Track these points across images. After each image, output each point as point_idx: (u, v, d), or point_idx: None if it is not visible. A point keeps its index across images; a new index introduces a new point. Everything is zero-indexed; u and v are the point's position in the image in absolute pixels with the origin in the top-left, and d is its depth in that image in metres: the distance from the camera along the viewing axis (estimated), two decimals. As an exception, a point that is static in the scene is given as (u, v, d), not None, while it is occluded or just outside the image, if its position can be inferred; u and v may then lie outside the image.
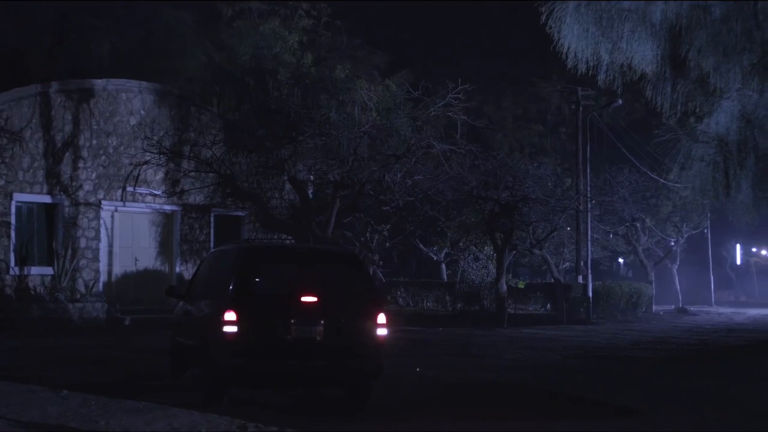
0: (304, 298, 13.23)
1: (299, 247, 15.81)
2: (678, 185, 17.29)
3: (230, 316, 12.74)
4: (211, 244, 32.99)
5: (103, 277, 30.72)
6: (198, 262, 32.41)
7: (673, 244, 53.65)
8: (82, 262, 30.22)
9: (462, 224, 37.07)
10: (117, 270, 31.29)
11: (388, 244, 36.24)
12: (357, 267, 14.61)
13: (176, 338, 15.99)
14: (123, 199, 31.10)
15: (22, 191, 29.42)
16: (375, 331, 13.47)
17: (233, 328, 12.70)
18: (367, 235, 32.53)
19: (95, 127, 30.78)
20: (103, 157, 30.83)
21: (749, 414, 13.53)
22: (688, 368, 20.28)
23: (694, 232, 54.97)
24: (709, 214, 51.26)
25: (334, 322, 13.27)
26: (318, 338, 13.11)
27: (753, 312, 52.48)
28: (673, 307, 52.71)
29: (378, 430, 12.19)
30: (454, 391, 15.72)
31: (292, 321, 12.97)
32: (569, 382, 17.11)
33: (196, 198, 31.95)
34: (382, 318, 13.52)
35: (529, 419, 12.92)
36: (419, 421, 12.65)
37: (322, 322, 13.14)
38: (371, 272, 25.29)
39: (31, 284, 28.94)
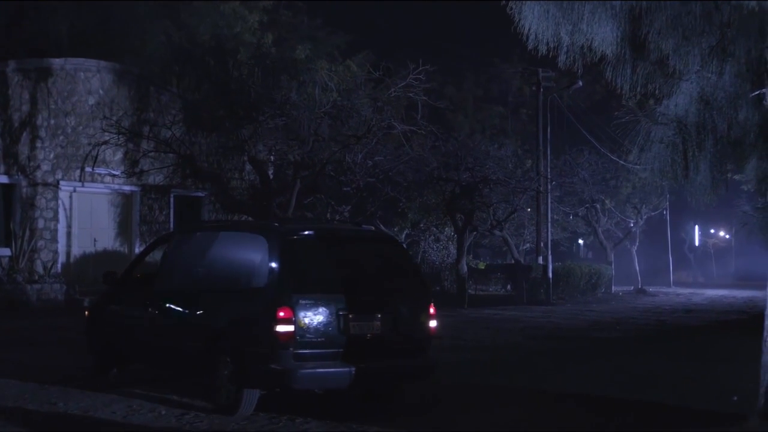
0: (360, 288, 11.84)
1: (339, 228, 13.84)
2: (637, 167, 17.40)
3: (285, 313, 11.08)
4: (171, 225, 32.83)
5: (61, 259, 30.50)
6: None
7: (632, 225, 54.00)
8: (41, 243, 29.96)
9: (423, 205, 37.12)
10: (76, 251, 31.06)
11: (348, 225, 36.12)
12: (400, 250, 13.48)
13: (108, 337, 14.34)
14: (82, 180, 30.84)
15: (-22, 171, 29.19)
16: (428, 323, 12.37)
17: (288, 328, 11.06)
18: (328, 215, 32.44)
19: (53, 106, 30.48)
20: (61, 137, 30.54)
21: (703, 393, 13.65)
22: (645, 348, 20.46)
23: (653, 213, 55.37)
24: (668, 196, 51.68)
25: (391, 314, 11.95)
26: (376, 333, 11.76)
27: (711, 293, 52.98)
28: (632, 287, 53.10)
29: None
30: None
31: (350, 315, 11.46)
32: (527, 363, 17.22)
33: (156, 178, 31.75)
34: (432, 308, 12.49)
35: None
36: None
37: (379, 315, 11.81)
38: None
39: (-12, 265, 28.71)
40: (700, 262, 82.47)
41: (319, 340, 11.24)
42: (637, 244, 55.55)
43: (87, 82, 31.33)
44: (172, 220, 33.07)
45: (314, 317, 11.21)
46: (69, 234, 30.85)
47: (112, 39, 36.51)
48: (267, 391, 11.70)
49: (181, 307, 13.03)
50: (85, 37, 35.73)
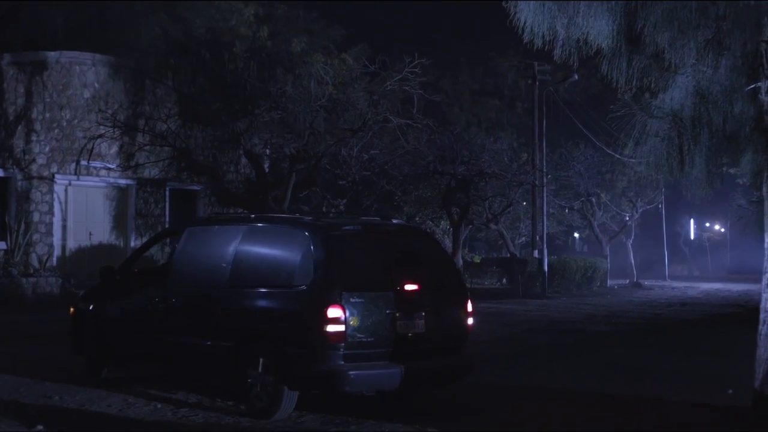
0: (407, 285, 11.33)
1: (376, 222, 13.13)
2: (633, 160, 17.33)
3: (335, 312, 10.62)
4: (166, 219, 32.81)
5: (57, 252, 30.46)
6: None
7: (627, 218, 54.03)
8: (36, 236, 29.91)
9: (418, 199, 37.12)
10: (71, 244, 31.02)
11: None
12: (435, 244, 13.11)
13: (105, 336, 13.64)
14: (77, 173, 30.78)
15: (-27, 165, 29.17)
16: (466, 321, 12.04)
17: (339, 327, 10.61)
18: (324, 209, 32.43)
19: (48, 100, 30.42)
20: (56, 131, 30.49)
21: (698, 386, 13.67)
22: (640, 342, 20.48)
23: (648, 207, 55.40)
24: (663, 190, 51.67)
25: (434, 312, 11.51)
26: (420, 332, 11.31)
27: (706, 286, 53.04)
28: (627, 281, 53.13)
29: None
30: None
31: (397, 314, 11.06)
32: (521, 355, 17.25)
33: (151, 172, 31.71)
34: (469, 304, 12.15)
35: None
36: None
37: (423, 313, 11.35)
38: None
39: (-17, 259, 28.68)
40: (695, 255, 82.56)
41: (368, 339, 10.83)
42: (632, 237, 55.59)
43: (82, 75, 31.28)
44: (167, 213, 33.03)
45: (364, 316, 10.79)
46: (64, 227, 30.81)
47: (107, 32, 36.39)
48: (311, 393, 11.44)
49: (203, 305, 12.30)
50: (81, 31, 35.62)
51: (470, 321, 12.09)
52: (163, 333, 12.63)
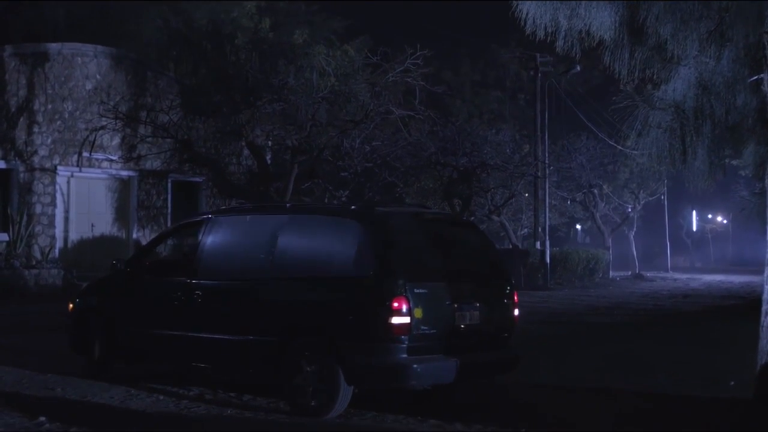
0: (459, 275, 11.09)
1: (426, 212, 12.54)
2: (635, 152, 17.31)
3: (400, 304, 10.22)
4: (169, 210, 32.83)
5: (59, 244, 30.49)
6: (156, 228, 32.26)
7: (630, 210, 54.05)
8: (38, 228, 29.93)
9: (420, 190, 37.13)
10: (73, 236, 31.04)
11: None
12: (482, 234, 12.68)
13: (116, 333, 12.96)
14: (79, 165, 30.80)
15: (-25, 157, 29.17)
16: (513, 312, 11.77)
17: (404, 320, 10.21)
18: (326, 201, 32.42)
19: (50, 91, 30.41)
20: (58, 122, 30.48)
21: (701, 378, 13.67)
22: (642, 334, 20.48)
23: (650, 198, 55.41)
24: (665, 181, 51.75)
25: (486, 302, 11.26)
26: (475, 323, 11.04)
27: (708, 278, 53.05)
28: (629, 273, 53.17)
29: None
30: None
31: (455, 305, 10.78)
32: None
33: (153, 163, 31.73)
34: (516, 295, 11.89)
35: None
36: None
37: (477, 304, 11.08)
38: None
39: (-15, 251, 28.69)
40: (697, 247, 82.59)
41: (430, 332, 10.51)
42: (634, 229, 55.63)
43: (84, 67, 31.26)
44: (169, 205, 33.04)
45: (426, 307, 10.42)
46: (66, 219, 30.83)
47: (109, 24, 36.44)
48: (373, 388, 11.22)
49: (239, 298, 11.68)
50: (83, 22, 35.66)
51: (516, 312, 11.87)
52: (189, 329, 12.02)
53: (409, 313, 10.25)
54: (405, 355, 10.30)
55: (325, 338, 10.73)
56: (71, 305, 13.94)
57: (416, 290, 10.38)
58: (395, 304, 10.23)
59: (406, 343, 10.28)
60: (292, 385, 10.85)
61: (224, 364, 12.22)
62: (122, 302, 13.19)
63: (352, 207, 12.03)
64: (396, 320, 10.22)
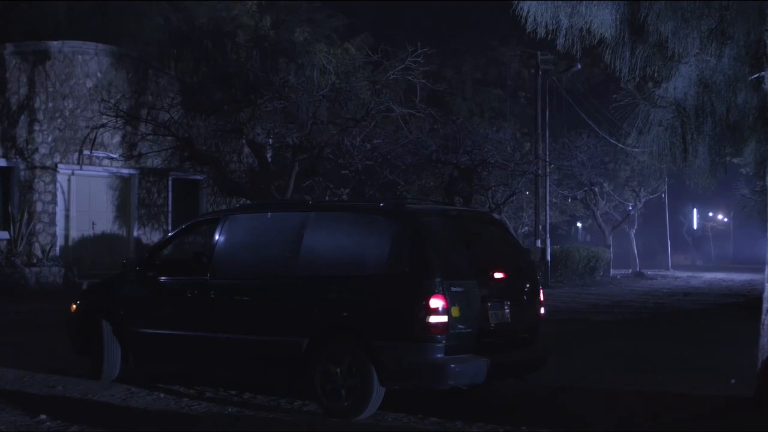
0: (495, 273, 10.93)
1: (454, 209, 12.46)
2: (636, 150, 17.29)
3: (438, 302, 10.05)
4: (169, 208, 32.85)
5: (60, 242, 30.50)
6: (157, 226, 32.28)
7: (630, 208, 54.04)
8: (39, 226, 29.93)
9: (421, 188, 37.09)
10: (74, 234, 31.05)
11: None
12: (508, 231, 12.69)
13: (127, 335, 12.58)
14: (80, 163, 30.80)
15: (-24, 155, 29.19)
16: (539, 310, 11.68)
17: (442, 318, 10.04)
18: (327, 199, 32.42)
19: (51, 89, 30.42)
20: (59, 120, 30.49)
21: (703, 376, 13.68)
22: (643, 332, 20.49)
23: (651, 196, 55.39)
24: (666, 179, 51.69)
25: (516, 301, 11.15)
26: (505, 322, 10.92)
27: (709, 276, 53.06)
28: (630, 271, 53.17)
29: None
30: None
31: (488, 304, 10.65)
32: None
33: (154, 161, 31.74)
34: (541, 293, 11.74)
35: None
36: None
37: (508, 302, 10.96)
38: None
39: (-14, 249, 28.70)
40: (698, 245, 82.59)
41: (466, 331, 10.34)
42: (635, 227, 55.61)
43: (85, 65, 31.26)
44: (170, 203, 33.05)
45: (463, 306, 10.27)
46: (67, 217, 30.83)
47: (110, 22, 36.43)
48: (406, 389, 11.09)
49: (265, 299, 11.44)
50: (83, 20, 35.65)
51: (542, 310, 11.77)
52: (209, 330, 11.73)
53: (447, 311, 10.08)
54: (442, 355, 10.11)
55: (358, 338, 10.51)
56: (74, 306, 13.53)
57: (453, 288, 10.22)
58: (433, 303, 10.06)
59: (444, 342, 10.10)
60: (321, 385, 10.64)
61: (247, 365, 11.80)
62: (135, 303, 12.75)
63: (381, 204, 11.91)
64: (434, 319, 10.05)
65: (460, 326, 10.24)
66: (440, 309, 10.05)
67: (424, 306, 10.06)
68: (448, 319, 10.09)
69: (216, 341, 11.68)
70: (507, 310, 10.93)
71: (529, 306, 11.47)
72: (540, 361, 11.61)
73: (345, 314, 10.73)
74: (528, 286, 11.55)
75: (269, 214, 12.37)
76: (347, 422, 10.42)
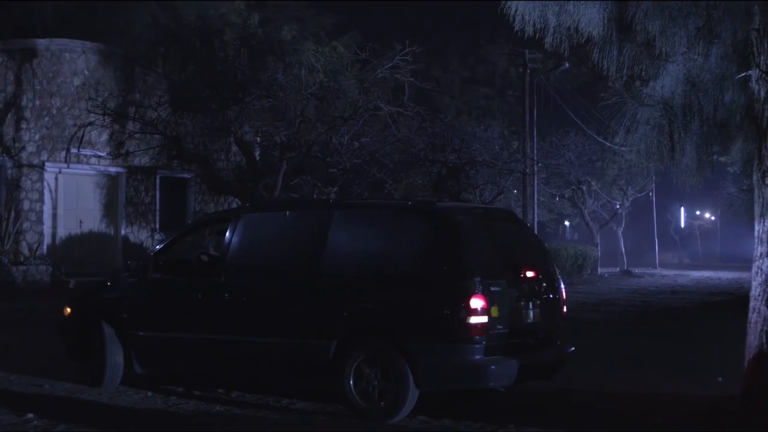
0: (522, 272, 10.77)
1: (476, 206, 11.81)
2: (623, 148, 17.34)
3: (478, 302, 9.83)
4: (157, 207, 32.80)
5: (47, 240, 30.40)
6: (145, 224, 32.22)
7: (618, 207, 54.11)
8: (26, 224, 29.84)
9: (409, 187, 37.06)
10: (61, 232, 30.97)
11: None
12: (530, 229, 12.44)
13: (132, 340, 11.99)
14: (67, 161, 30.71)
15: (-37, 152, 29.09)
16: (563, 309, 11.49)
17: (482, 319, 9.83)
18: (315, 197, 32.39)
19: (38, 87, 30.32)
20: (46, 118, 30.40)
21: (690, 374, 13.71)
22: (630, 330, 20.52)
23: (639, 195, 55.49)
24: (653, 178, 51.81)
25: (544, 299, 10.98)
26: (535, 321, 10.76)
27: (696, 274, 53.17)
28: (618, 269, 53.27)
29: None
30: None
31: (521, 303, 10.52)
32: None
33: (142, 160, 31.67)
34: (564, 291, 11.53)
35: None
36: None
37: (538, 301, 10.80)
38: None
39: (-27, 247, 28.62)
40: (685, 243, 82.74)
41: (504, 331, 10.14)
42: (623, 225, 55.70)
43: (72, 62, 31.18)
44: (158, 201, 33.00)
45: (501, 305, 10.09)
46: (55, 215, 30.74)
47: (97, 20, 36.33)
48: (444, 391, 10.88)
49: (289, 300, 11.06)
50: (71, 18, 35.55)
51: (564, 309, 11.57)
52: (227, 332, 11.30)
53: (487, 312, 9.89)
54: (482, 356, 9.92)
55: (392, 339, 10.24)
56: (68, 309, 12.92)
57: (492, 288, 10.03)
58: (473, 303, 9.84)
59: (483, 343, 9.91)
60: (352, 388, 10.38)
61: (267, 367, 11.25)
62: (142, 306, 12.18)
63: (410, 203, 11.74)
64: (474, 320, 9.84)
65: (498, 327, 10.07)
66: (480, 309, 9.85)
67: (465, 306, 9.84)
68: (488, 319, 9.91)
69: (232, 344, 11.27)
70: (537, 309, 10.75)
71: (554, 304, 11.29)
72: (565, 360, 11.45)
73: (377, 315, 10.45)
74: (552, 283, 11.35)
75: (287, 212, 11.93)
76: (378, 423, 10.20)
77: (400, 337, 10.18)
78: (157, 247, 13.52)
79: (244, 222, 11.76)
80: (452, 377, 10.13)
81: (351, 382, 10.37)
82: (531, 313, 10.67)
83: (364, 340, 10.48)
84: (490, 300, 9.94)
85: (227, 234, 11.75)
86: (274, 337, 10.95)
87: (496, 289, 10.10)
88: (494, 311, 9.97)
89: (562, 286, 11.58)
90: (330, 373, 10.52)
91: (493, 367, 9.93)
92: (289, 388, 11.70)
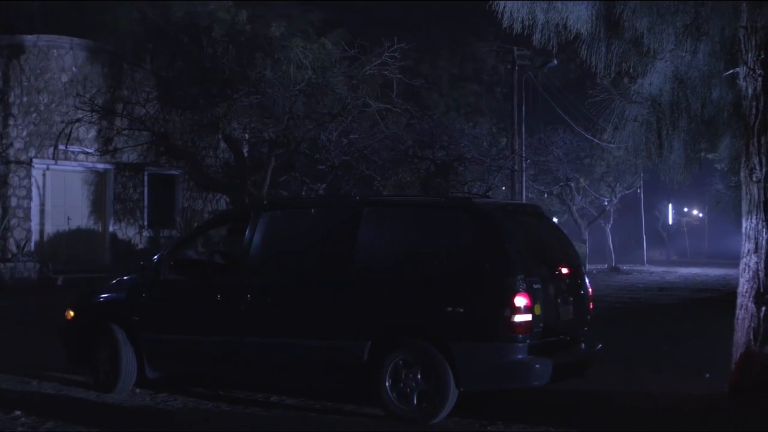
0: (557, 269, 10.59)
1: (508, 202, 11.75)
2: (612, 145, 17.36)
3: (523, 300, 9.67)
4: (145, 203, 32.77)
5: (35, 237, 30.33)
6: (133, 221, 32.16)
7: (606, 203, 54.17)
8: (14, 221, 29.77)
9: (398, 183, 37.06)
10: (49, 229, 30.90)
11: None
12: (554, 223, 12.36)
13: (146, 344, 11.56)
14: (55, 158, 30.65)
15: (-50, 149, 29.00)
16: (590, 305, 11.28)
17: (526, 317, 9.67)
18: (303, 194, 32.38)
19: (26, 83, 30.24)
20: (34, 115, 30.32)
21: (678, 371, 13.73)
22: (618, 326, 20.54)
23: (627, 192, 55.55)
24: (641, 174, 51.84)
25: (576, 296, 10.83)
26: (570, 318, 10.60)
27: (684, 271, 53.23)
28: (606, 266, 53.30)
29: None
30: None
31: (559, 300, 10.35)
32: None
33: (130, 156, 31.61)
34: (590, 288, 11.34)
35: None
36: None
37: (572, 298, 10.64)
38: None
39: (-40, 244, 28.54)
40: (673, 240, 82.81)
41: (546, 329, 9.97)
42: (611, 222, 55.75)
43: (60, 59, 31.10)
44: (146, 198, 32.97)
45: (543, 303, 9.91)
46: (42, 212, 30.67)
47: (85, 16, 36.23)
48: (487, 390, 10.63)
49: (320, 300, 10.71)
50: (58, 14, 35.46)
51: (591, 305, 11.36)
52: (244, 334, 10.94)
53: (531, 310, 9.72)
54: (525, 355, 9.74)
55: (432, 339, 9.99)
56: (71, 312, 12.35)
57: (534, 285, 9.86)
58: (518, 302, 9.67)
59: (528, 341, 9.75)
60: (389, 390, 10.09)
61: (300, 370, 10.88)
62: (158, 308, 11.74)
63: (443, 199, 11.55)
64: (519, 318, 9.66)
65: (541, 324, 9.89)
66: (524, 307, 9.68)
67: (509, 304, 9.67)
68: (532, 317, 9.74)
69: (256, 346, 10.90)
70: (570, 306, 10.61)
71: (584, 301, 11.11)
72: (596, 358, 11.24)
73: (414, 314, 10.20)
74: (580, 279, 11.20)
75: (312, 209, 11.64)
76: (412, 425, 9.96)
77: (441, 336, 9.94)
78: (169, 247, 13.10)
79: (265, 220, 11.34)
80: (495, 377, 9.96)
81: (388, 384, 10.10)
82: (565, 311, 10.53)
83: (402, 340, 10.23)
84: (533, 298, 9.79)
85: (247, 232, 11.32)
86: (303, 339, 10.64)
87: (538, 286, 9.93)
88: (537, 309, 9.81)
89: (589, 282, 11.41)
90: (364, 374, 10.25)
91: (537, 366, 9.76)
92: (337, 389, 11.25)
